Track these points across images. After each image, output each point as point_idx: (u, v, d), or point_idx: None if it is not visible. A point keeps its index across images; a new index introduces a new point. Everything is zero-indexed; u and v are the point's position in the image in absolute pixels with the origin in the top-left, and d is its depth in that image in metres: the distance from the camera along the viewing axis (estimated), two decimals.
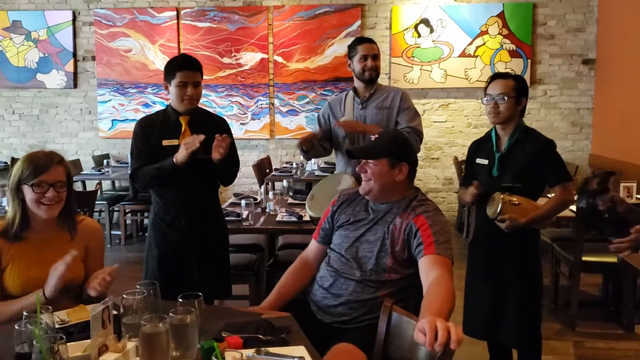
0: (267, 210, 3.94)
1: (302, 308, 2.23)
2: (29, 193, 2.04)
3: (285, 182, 5.01)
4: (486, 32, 7.00)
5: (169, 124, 2.83)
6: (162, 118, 2.87)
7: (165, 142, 2.78)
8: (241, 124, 7.30)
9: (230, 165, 2.88)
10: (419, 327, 1.50)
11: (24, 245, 2.08)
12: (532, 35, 6.99)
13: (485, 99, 2.80)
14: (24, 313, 1.58)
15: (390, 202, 2.23)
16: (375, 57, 3.29)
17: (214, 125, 2.86)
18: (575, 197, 2.97)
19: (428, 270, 1.98)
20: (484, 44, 7.01)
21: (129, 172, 2.88)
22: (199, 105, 2.92)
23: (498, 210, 2.66)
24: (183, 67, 2.75)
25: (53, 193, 2.05)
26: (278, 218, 3.69)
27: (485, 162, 2.85)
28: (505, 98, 2.72)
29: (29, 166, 2.06)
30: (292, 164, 6.76)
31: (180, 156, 2.66)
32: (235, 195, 4.62)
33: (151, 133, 2.82)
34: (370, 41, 3.34)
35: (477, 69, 7.02)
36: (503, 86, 2.74)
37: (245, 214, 3.61)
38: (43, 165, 2.06)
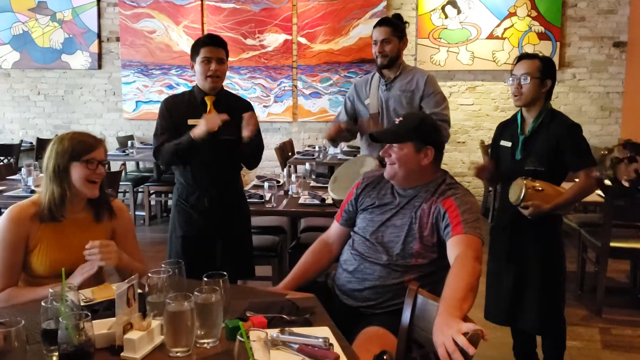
0: (290, 192, 3.94)
1: (327, 291, 2.22)
2: (80, 170, 2.05)
3: (307, 165, 4.99)
4: (514, 14, 6.85)
5: (195, 103, 2.83)
6: (188, 98, 2.88)
7: (190, 122, 2.77)
8: (264, 106, 7.27)
9: (255, 148, 2.88)
10: (434, 343, 1.57)
11: (52, 226, 2.08)
12: (561, 17, 6.83)
13: (509, 79, 2.75)
14: (50, 290, 1.59)
15: (417, 187, 2.18)
16: (386, 41, 3.18)
17: (239, 107, 2.85)
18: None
19: (452, 251, 1.96)
20: (512, 25, 6.88)
21: (153, 149, 2.90)
22: (226, 88, 2.92)
23: (521, 196, 2.61)
24: (207, 43, 2.76)
25: (102, 170, 2.09)
26: (301, 201, 3.69)
27: (509, 144, 2.81)
28: (528, 78, 2.66)
29: (79, 144, 2.07)
30: (314, 147, 6.74)
31: (198, 130, 2.65)
32: (258, 177, 4.62)
33: (176, 112, 2.83)
34: (381, 24, 3.23)
35: (505, 51, 6.89)
36: (527, 66, 2.70)
37: (268, 196, 3.61)
38: (93, 143, 2.09)
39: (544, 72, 2.69)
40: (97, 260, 1.98)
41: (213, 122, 2.64)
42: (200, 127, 2.65)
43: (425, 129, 2.19)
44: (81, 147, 2.06)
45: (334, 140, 3.39)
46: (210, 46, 2.75)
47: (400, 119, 2.24)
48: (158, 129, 2.85)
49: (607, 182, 4.20)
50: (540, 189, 2.62)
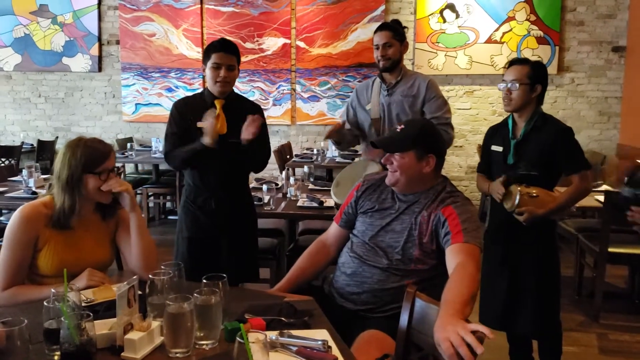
0: (288, 195, 3.95)
1: (326, 294, 2.23)
2: (93, 182, 2.06)
3: (306, 168, 5.01)
4: (513, 18, 6.88)
5: (205, 106, 2.84)
6: (198, 100, 2.90)
7: (199, 124, 2.79)
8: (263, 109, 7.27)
9: (259, 151, 2.89)
10: (436, 341, 1.55)
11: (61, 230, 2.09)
12: (560, 21, 6.85)
13: (501, 84, 2.76)
14: (52, 290, 1.60)
15: (417, 193, 2.19)
16: (388, 44, 3.19)
17: (249, 112, 2.84)
18: (623, 186, 2.90)
19: (452, 258, 1.96)
20: (511, 30, 6.90)
21: (164, 152, 2.93)
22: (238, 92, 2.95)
23: (516, 203, 2.63)
24: (219, 49, 2.79)
25: (114, 179, 2.10)
26: (299, 203, 3.70)
27: (500, 149, 2.81)
28: (517, 85, 2.67)
29: (92, 155, 2.07)
30: (312, 150, 6.76)
31: (206, 139, 2.69)
32: (257, 180, 4.64)
33: (186, 115, 2.85)
34: (382, 28, 3.24)
35: (504, 56, 6.90)
36: (517, 72, 2.70)
37: (266, 198, 3.63)
38: (104, 153, 2.10)
39: (534, 77, 2.69)
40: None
41: (208, 128, 2.67)
42: (205, 137, 2.69)
43: (427, 137, 2.19)
44: (93, 158, 2.06)
45: (339, 143, 3.39)
46: (222, 52, 2.78)
47: (402, 126, 2.22)
48: (169, 133, 2.88)
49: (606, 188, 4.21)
50: (535, 195, 2.63)
